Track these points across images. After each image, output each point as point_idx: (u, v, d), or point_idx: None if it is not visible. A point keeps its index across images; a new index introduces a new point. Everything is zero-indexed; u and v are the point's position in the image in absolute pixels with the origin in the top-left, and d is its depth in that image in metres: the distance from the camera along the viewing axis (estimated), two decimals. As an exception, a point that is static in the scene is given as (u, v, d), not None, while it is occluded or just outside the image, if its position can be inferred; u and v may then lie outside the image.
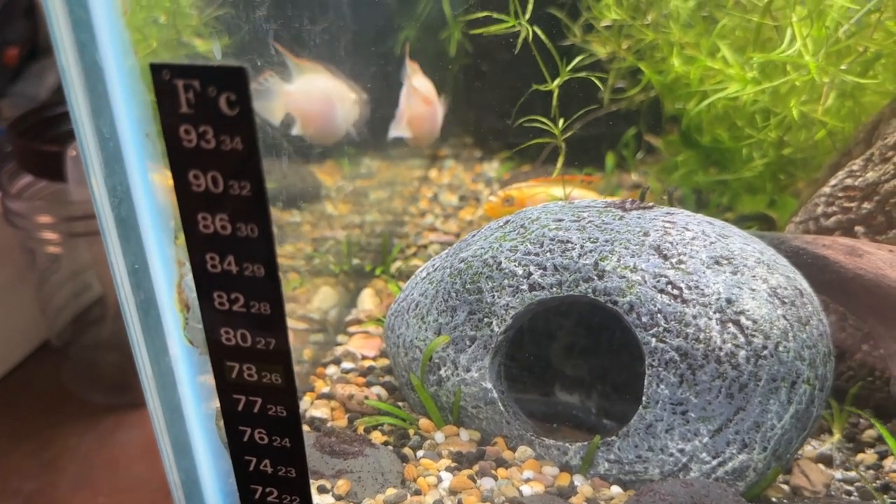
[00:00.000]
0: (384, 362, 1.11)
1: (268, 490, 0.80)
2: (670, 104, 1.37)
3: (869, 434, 1.04)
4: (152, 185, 0.72)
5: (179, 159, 0.63)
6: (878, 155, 1.08)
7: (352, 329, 1.19)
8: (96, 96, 0.69)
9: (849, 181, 1.09)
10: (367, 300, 1.26)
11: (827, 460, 1.01)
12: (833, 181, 1.11)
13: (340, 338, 1.18)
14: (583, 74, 1.10)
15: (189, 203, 0.65)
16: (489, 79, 1.60)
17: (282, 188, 1.17)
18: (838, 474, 0.98)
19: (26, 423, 1.39)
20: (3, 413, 1.41)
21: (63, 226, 1.34)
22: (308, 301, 1.21)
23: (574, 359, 1.09)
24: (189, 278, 0.71)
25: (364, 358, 1.12)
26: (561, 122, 1.11)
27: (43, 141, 1.35)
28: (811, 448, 1.03)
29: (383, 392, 1.05)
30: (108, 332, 1.58)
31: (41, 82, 1.80)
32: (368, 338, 1.16)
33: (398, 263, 1.37)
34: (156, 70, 0.60)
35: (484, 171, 1.71)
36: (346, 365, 1.11)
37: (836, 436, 1.04)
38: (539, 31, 1.09)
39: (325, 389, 1.05)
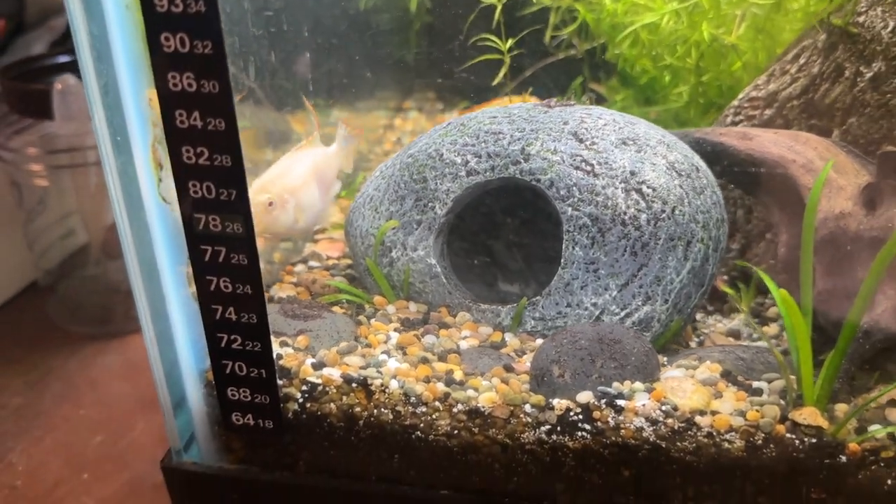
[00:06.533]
0: (347, 261, 1.24)
1: (232, 337, 0.91)
2: (610, 51, 1.51)
3: (773, 311, 1.17)
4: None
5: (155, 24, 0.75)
6: (779, 69, 1.22)
7: (318, 237, 1.32)
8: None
9: (753, 93, 1.23)
10: (335, 214, 1.38)
11: (735, 334, 1.14)
12: (741, 95, 1.25)
13: (308, 245, 1.31)
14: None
15: (161, 63, 0.77)
16: (448, 35, 1.73)
17: (256, 128, 1.29)
18: (745, 343, 1.12)
19: (13, 351, 1.49)
20: (-8, 343, 1.51)
21: (48, 158, 1.45)
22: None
23: (513, 253, 1.22)
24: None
25: (328, 258, 1.24)
26: (509, 41, 1.25)
27: (31, 82, 1.47)
28: (722, 325, 1.16)
29: (344, 281, 1.17)
30: (92, 275, 1.68)
31: (28, 55, 1.89)
32: (333, 242, 1.28)
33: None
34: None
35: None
36: (313, 263, 1.23)
37: (744, 312, 1.18)
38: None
39: (293, 280, 1.17)
